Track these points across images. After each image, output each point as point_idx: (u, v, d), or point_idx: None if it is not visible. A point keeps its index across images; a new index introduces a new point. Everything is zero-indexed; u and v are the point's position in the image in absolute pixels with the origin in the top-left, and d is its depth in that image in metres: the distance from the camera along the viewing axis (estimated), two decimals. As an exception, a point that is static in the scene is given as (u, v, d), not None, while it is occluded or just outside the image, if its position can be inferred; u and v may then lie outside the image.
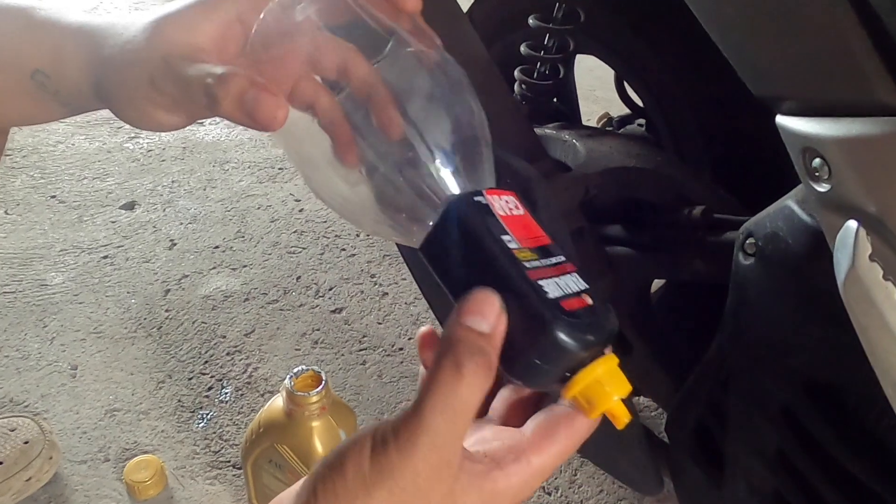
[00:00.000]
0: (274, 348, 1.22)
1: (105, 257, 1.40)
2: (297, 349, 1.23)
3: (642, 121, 0.97)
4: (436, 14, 0.76)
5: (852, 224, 0.42)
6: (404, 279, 1.38)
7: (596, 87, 1.80)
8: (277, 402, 0.80)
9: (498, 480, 0.30)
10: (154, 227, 1.48)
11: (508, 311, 0.30)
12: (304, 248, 1.45)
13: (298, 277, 1.38)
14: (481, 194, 0.32)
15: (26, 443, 0.96)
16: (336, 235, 1.49)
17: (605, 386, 0.30)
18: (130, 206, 1.54)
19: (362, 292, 1.35)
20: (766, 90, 0.46)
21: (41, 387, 1.12)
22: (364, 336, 1.26)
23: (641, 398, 1.09)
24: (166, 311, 1.28)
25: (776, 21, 0.42)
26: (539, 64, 0.82)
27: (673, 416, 0.67)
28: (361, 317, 1.30)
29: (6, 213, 1.50)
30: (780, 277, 0.54)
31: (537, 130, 0.83)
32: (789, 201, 0.53)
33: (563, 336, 0.29)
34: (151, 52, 0.35)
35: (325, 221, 1.52)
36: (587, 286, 0.32)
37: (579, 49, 0.87)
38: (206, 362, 1.19)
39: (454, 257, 0.31)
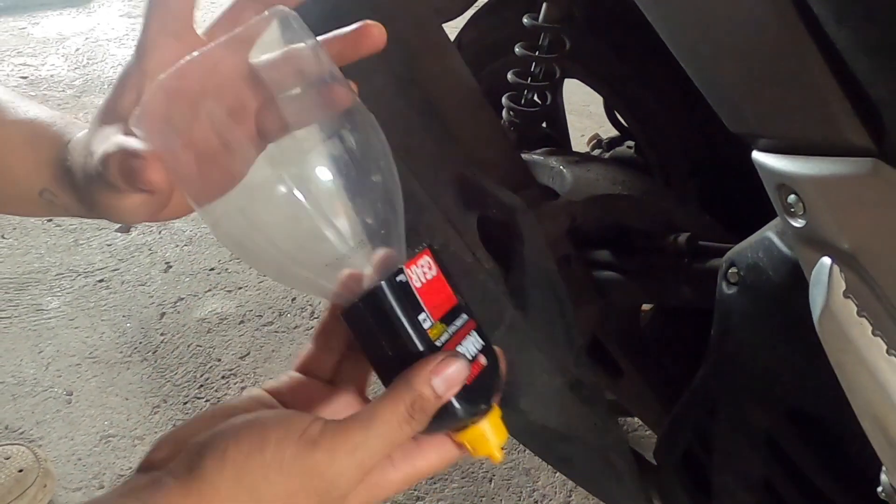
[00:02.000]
0: (269, 371, 1.23)
1: (101, 281, 1.40)
2: (291, 372, 1.23)
3: (631, 143, 0.98)
4: (423, 42, 0.78)
5: (826, 261, 0.43)
6: (399, 299, 1.38)
7: (589, 102, 1.82)
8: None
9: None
10: (150, 249, 1.49)
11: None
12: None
13: (293, 299, 1.38)
14: (402, 272, 0.34)
15: (21, 471, 0.97)
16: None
17: (487, 437, 0.35)
18: (126, 229, 1.54)
19: (357, 313, 1.36)
20: (742, 128, 0.47)
21: (36, 413, 1.12)
22: (359, 357, 1.26)
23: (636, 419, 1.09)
24: (161, 334, 1.29)
25: (748, 63, 0.43)
26: (526, 91, 0.83)
27: (661, 441, 0.68)
28: (356, 338, 1.30)
29: (3, 237, 1.50)
30: (762, 307, 0.54)
31: (525, 156, 0.84)
32: (769, 232, 0.54)
33: (458, 410, 0.33)
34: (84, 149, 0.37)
35: (320, 242, 1.53)
36: (483, 342, 0.36)
37: (566, 75, 0.88)
38: (202, 386, 1.19)
39: (376, 334, 0.34)
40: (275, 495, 0.32)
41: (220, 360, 1.24)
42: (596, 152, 1.04)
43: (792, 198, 0.45)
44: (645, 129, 0.82)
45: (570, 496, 1.03)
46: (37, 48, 2.38)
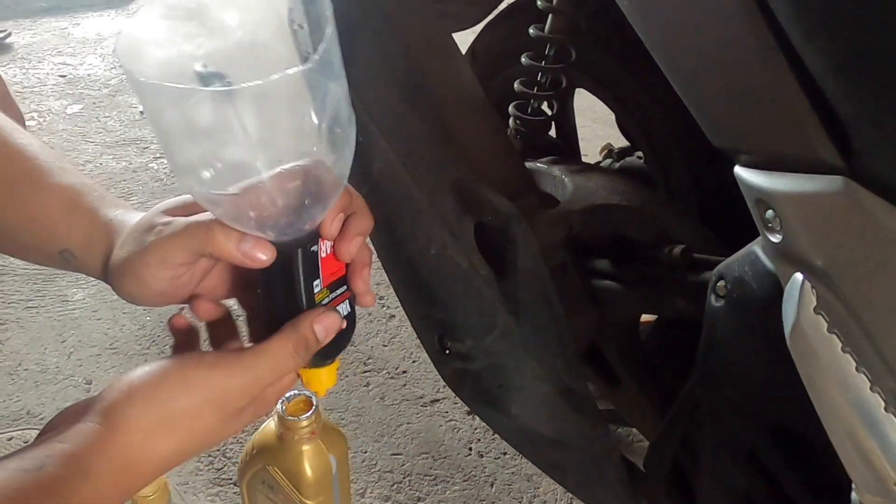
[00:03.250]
0: (280, 368, 1.25)
1: (124, 275, 1.45)
2: (302, 369, 1.25)
3: (641, 153, 0.98)
4: (430, 48, 0.79)
5: (798, 277, 0.43)
6: (411, 302, 1.40)
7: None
8: (270, 425, 0.82)
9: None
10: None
11: None
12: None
13: (308, 298, 1.41)
14: (317, 243, 0.42)
15: (38, 455, 1.00)
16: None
17: (322, 379, 0.45)
18: (151, 225, 1.59)
19: (370, 314, 1.38)
20: (722, 142, 0.48)
21: (57, 400, 1.17)
22: (369, 358, 1.28)
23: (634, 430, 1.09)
24: (179, 328, 1.32)
25: (724, 79, 0.44)
26: (532, 99, 0.84)
27: (650, 451, 0.68)
28: (367, 338, 1.32)
29: (34, 230, 1.56)
30: (746, 321, 0.54)
31: (530, 164, 0.85)
32: (755, 247, 0.54)
33: (317, 361, 0.44)
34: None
35: (338, 243, 1.55)
36: (350, 310, 0.46)
37: (573, 84, 0.89)
38: (215, 380, 1.22)
39: (278, 287, 0.42)
40: (182, 412, 0.39)
41: (234, 355, 1.27)
42: (607, 162, 1.05)
43: (769, 213, 0.45)
44: (649, 140, 0.82)
45: (572, 502, 1.04)
46: (76, 48, 2.47)
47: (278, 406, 0.81)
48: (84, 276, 1.41)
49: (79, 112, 2.07)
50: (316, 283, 0.42)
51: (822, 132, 0.39)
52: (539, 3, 0.79)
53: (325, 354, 0.44)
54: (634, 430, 1.10)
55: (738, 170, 0.47)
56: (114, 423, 0.38)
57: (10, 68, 2.30)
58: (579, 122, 1.01)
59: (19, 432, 1.04)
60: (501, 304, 0.67)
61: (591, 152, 1.57)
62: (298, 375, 0.45)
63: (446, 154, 0.72)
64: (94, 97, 2.15)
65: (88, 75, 2.28)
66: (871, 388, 0.40)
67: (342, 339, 0.45)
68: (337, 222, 0.42)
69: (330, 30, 0.38)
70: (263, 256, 0.40)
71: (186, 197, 0.44)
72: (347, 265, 0.45)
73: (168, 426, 0.39)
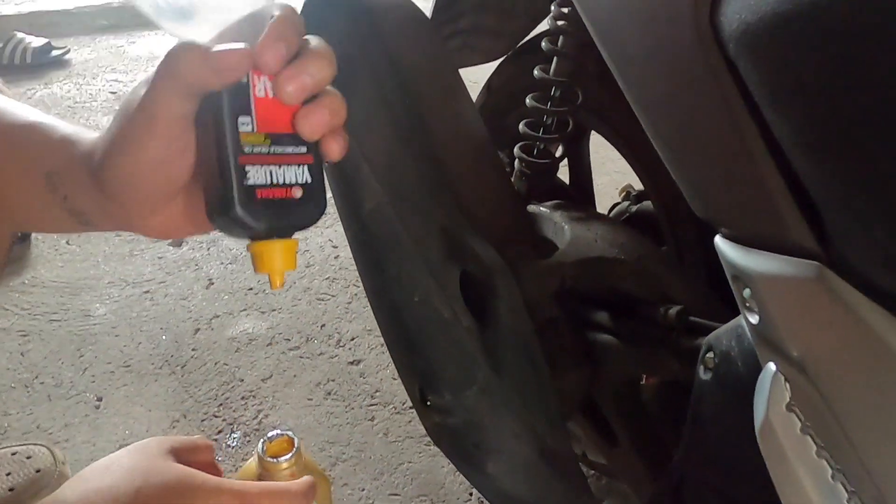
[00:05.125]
0: (287, 396, 1.24)
1: (146, 292, 1.47)
2: (309, 399, 1.24)
3: (656, 199, 0.94)
4: (433, 88, 0.77)
5: (771, 367, 0.39)
6: (425, 335, 1.37)
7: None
8: (252, 465, 0.81)
9: None
10: (196, 265, 1.55)
11: (219, 178, 0.36)
12: (333, 296, 1.48)
13: (323, 325, 1.40)
14: (249, 75, 0.36)
15: (38, 471, 1.02)
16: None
17: (273, 258, 0.38)
18: (178, 243, 1.61)
19: (382, 345, 1.36)
20: (701, 212, 0.44)
21: (66, 415, 1.18)
22: (377, 391, 1.26)
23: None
24: (193, 349, 1.33)
25: (701, 153, 0.40)
26: (538, 142, 0.81)
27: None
28: (377, 370, 1.30)
29: (67, 243, 1.60)
30: (730, 400, 0.50)
31: (532, 208, 0.82)
32: (742, 320, 0.50)
33: (239, 216, 0.36)
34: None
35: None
36: (310, 180, 0.38)
37: (584, 126, 0.85)
38: (221, 405, 1.22)
39: (205, 130, 0.37)
40: None
41: (242, 380, 1.27)
42: (624, 204, 1.01)
43: (747, 292, 0.41)
44: (655, 188, 0.78)
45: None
46: (129, 65, 2.55)
47: (259, 445, 0.79)
48: (108, 292, 1.43)
49: (124, 128, 2.14)
50: (244, 120, 0.36)
51: (796, 213, 0.35)
52: (544, 45, 0.76)
53: (276, 224, 0.37)
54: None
55: (718, 241, 0.44)
56: None
57: (66, 84, 2.40)
58: (615, 155, 0.97)
59: (23, 447, 1.05)
60: (482, 359, 0.64)
61: (624, 183, 1.53)
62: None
63: (437, 197, 0.70)
64: (140, 114, 2.21)
65: (137, 92, 2.35)
66: (848, 501, 0.36)
67: (296, 211, 0.38)
68: (273, 51, 0.36)
69: None
70: (232, 60, 0.34)
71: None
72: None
73: None
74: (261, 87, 0.36)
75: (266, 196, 0.37)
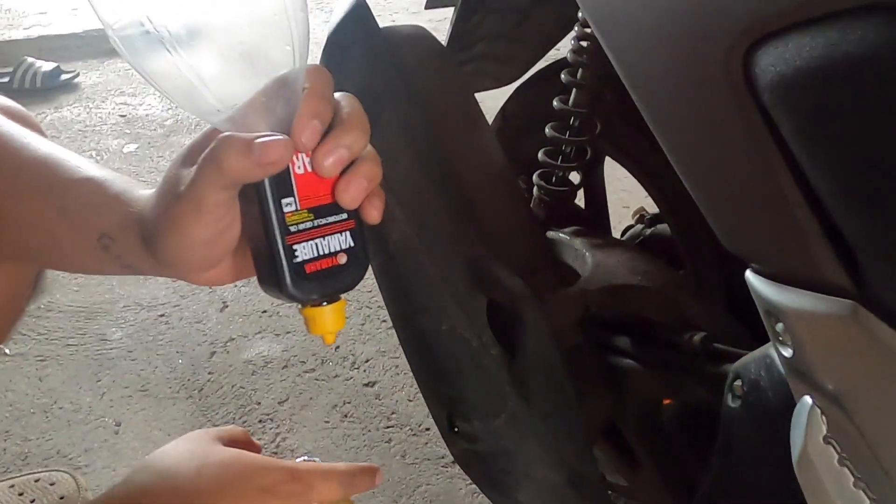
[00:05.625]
0: (304, 419, 1.25)
1: (161, 315, 1.48)
2: (326, 421, 1.25)
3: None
4: (453, 118, 0.79)
5: (807, 401, 0.40)
6: (439, 356, 1.39)
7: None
8: None
9: None
10: (209, 288, 1.56)
11: (269, 258, 0.39)
12: (346, 318, 1.49)
13: (337, 347, 1.41)
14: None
15: (62, 498, 1.02)
16: (379, 306, 1.52)
17: (325, 320, 0.40)
18: (192, 266, 1.63)
19: (397, 367, 1.37)
20: (732, 248, 0.46)
21: (86, 441, 1.19)
22: (393, 413, 1.27)
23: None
24: (209, 373, 1.34)
25: (734, 193, 0.42)
26: (557, 170, 0.83)
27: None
28: (393, 392, 1.31)
29: (82, 267, 1.62)
30: (761, 429, 0.51)
31: (552, 234, 0.84)
32: (771, 350, 0.51)
33: (294, 294, 0.39)
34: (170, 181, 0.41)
35: (370, 291, 1.56)
36: (353, 244, 0.40)
37: (599, 153, 0.87)
38: (239, 428, 1.23)
39: (251, 206, 0.39)
40: None
41: (259, 403, 1.28)
42: (638, 227, 1.02)
43: (780, 326, 0.43)
44: (674, 215, 0.80)
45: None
46: (137, 88, 2.58)
47: None
48: (123, 316, 1.45)
49: (134, 151, 2.16)
50: (287, 201, 0.38)
51: (831, 254, 0.37)
52: (563, 77, 0.78)
53: (326, 292, 0.40)
54: None
55: (749, 276, 0.45)
56: None
57: (76, 107, 2.42)
58: (621, 174, 0.99)
59: (46, 474, 1.06)
60: (511, 387, 0.66)
61: (633, 204, 1.54)
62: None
63: (462, 228, 0.72)
64: (150, 137, 2.24)
65: (146, 115, 2.38)
66: (885, 530, 0.37)
67: (343, 276, 0.40)
68: (309, 130, 0.37)
69: None
70: (275, 152, 0.36)
71: (190, 143, 0.43)
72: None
73: None
74: (299, 165, 0.38)
75: (315, 269, 0.39)
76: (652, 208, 1.05)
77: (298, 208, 0.38)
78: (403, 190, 0.73)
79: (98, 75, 2.70)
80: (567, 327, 0.69)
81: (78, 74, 2.62)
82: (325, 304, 0.40)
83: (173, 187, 0.40)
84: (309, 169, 0.38)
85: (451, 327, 0.68)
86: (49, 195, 0.46)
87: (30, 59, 2.52)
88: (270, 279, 0.39)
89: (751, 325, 0.70)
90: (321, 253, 0.39)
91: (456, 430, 0.70)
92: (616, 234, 1.05)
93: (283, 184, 0.38)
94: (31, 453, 1.16)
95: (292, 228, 0.38)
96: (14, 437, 1.19)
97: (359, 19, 0.80)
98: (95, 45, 2.89)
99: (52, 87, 2.50)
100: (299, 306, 0.41)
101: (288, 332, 1.45)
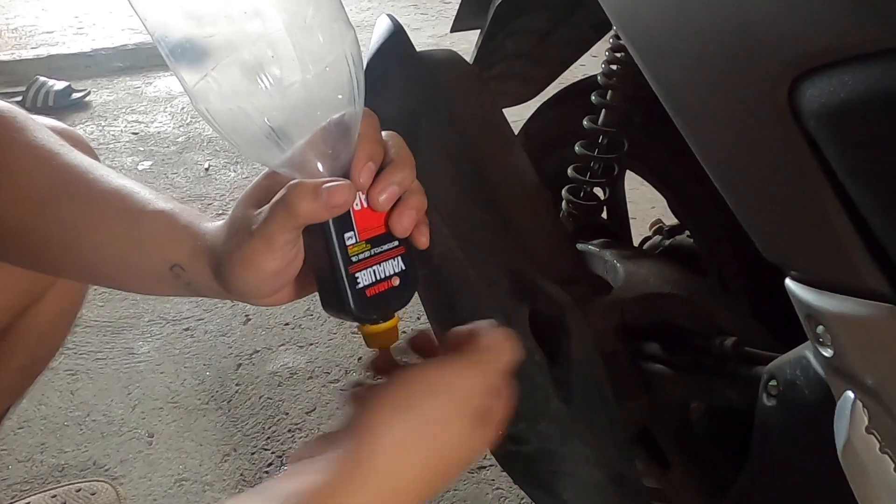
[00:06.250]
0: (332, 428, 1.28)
1: (186, 329, 1.52)
2: (353, 430, 1.28)
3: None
4: (489, 141, 0.84)
5: (849, 395, 0.45)
6: (460, 365, 1.42)
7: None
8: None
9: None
10: (232, 301, 1.60)
11: (333, 286, 0.43)
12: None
13: (359, 358, 1.45)
14: None
15: (103, 508, 1.06)
16: (399, 318, 1.55)
17: (383, 336, 0.45)
18: (213, 281, 1.66)
19: (419, 376, 1.40)
20: (772, 257, 0.50)
21: (121, 452, 1.22)
22: (417, 421, 1.31)
23: None
24: (237, 384, 1.38)
25: (776, 206, 0.46)
26: (585, 185, 0.88)
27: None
28: (416, 401, 1.35)
29: (105, 282, 1.65)
30: (799, 425, 0.56)
31: (581, 246, 0.88)
32: (807, 351, 0.55)
33: (357, 315, 0.44)
34: (244, 214, 0.45)
35: (389, 303, 1.59)
36: (404, 267, 0.45)
37: (624, 167, 0.92)
38: (269, 438, 1.26)
39: (315, 243, 0.44)
40: (432, 419, 0.39)
41: (287, 413, 1.31)
42: (656, 238, 1.07)
43: (820, 328, 0.47)
44: (698, 227, 0.85)
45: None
46: (148, 106, 2.62)
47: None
48: (149, 330, 1.48)
49: (149, 168, 2.20)
50: (348, 235, 0.43)
51: (869, 261, 0.41)
52: (594, 98, 0.83)
53: (383, 312, 0.44)
54: None
55: (789, 283, 0.49)
56: (365, 447, 0.37)
57: (88, 125, 2.46)
58: (628, 184, 1.03)
59: (87, 484, 1.09)
60: (554, 391, 0.70)
61: (638, 214, 1.59)
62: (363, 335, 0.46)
63: (502, 241, 0.76)
64: (163, 154, 2.28)
65: (158, 133, 2.42)
66: (924, 511, 0.41)
67: (397, 296, 0.45)
68: (366, 172, 0.42)
69: None
70: (340, 196, 0.40)
71: (252, 185, 0.47)
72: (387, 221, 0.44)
73: (421, 436, 0.38)
74: (357, 202, 0.43)
75: (374, 292, 0.44)
76: (649, 217, 1.10)
77: (358, 240, 0.43)
78: (445, 206, 0.78)
79: (108, 93, 2.74)
80: (605, 335, 0.73)
81: (89, 93, 2.66)
82: (381, 321, 0.45)
83: (244, 226, 0.45)
84: (365, 205, 0.43)
85: (496, 335, 0.72)
86: (124, 226, 0.50)
87: (42, 79, 2.56)
88: (335, 303, 0.44)
89: (773, 329, 0.74)
90: (378, 278, 0.44)
91: (500, 432, 0.73)
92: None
93: (344, 220, 0.43)
94: (69, 465, 1.19)
95: (353, 259, 0.43)
96: (50, 448, 1.22)
97: (396, 43, 0.84)
98: (104, 64, 2.94)
99: (65, 106, 2.54)
100: (357, 324, 0.46)
101: (311, 344, 1.48)
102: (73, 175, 0.52)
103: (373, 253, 0.44)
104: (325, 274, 0.44)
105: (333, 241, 0.42)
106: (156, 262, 0.49)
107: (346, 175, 0.42)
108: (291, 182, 0.42)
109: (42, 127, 0.56)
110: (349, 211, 0.42)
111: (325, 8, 0.40)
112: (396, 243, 0.45)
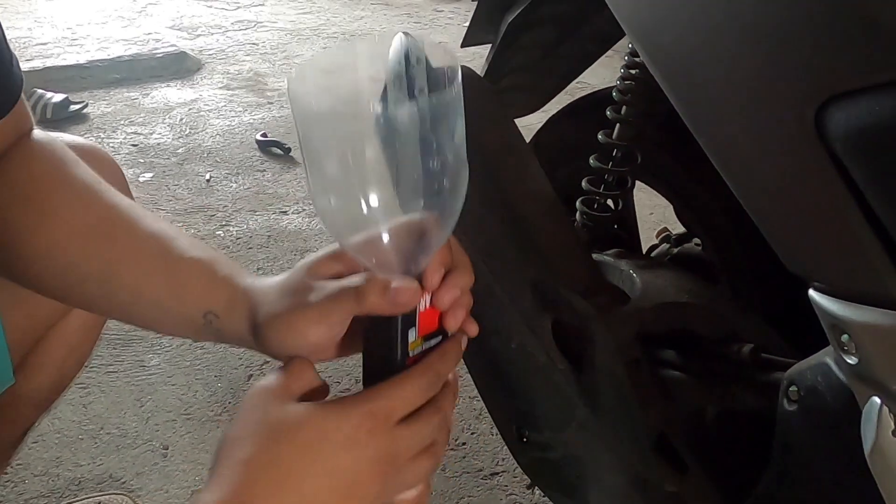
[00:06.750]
0: (345, 437, 1.30)
1: (195, 341, 1.52)
2: (366, 439, 1.30)
3: (699, 241, 1.03)
4: (507, 156, 0.86)
5: (876, 401, 0.47)
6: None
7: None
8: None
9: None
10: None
11: (387, 374, 0.44)
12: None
13: (369, 367, 1.46)
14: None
15: (123, 520, 1.06)
16: None
17: None
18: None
19: (428, 384, 1.42)
20: (796, 269, 0.52)
21: (136, 464, 1.23)
22: (429, 428, 1.32)
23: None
24: (249, 395, 1.39)
25: (800, 220, 0.49)
26: (599, 196, 0.90)
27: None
28: (427, 409, 1.37)
29: (112, 295, 1.66)
30: (821, 430, 0.58)
31: (596, 256, 0.90)
32: (827, 358, 0.58)
33: None
34: (302, 283, 0.47)
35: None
36: None
37: (635, 178, 0.94)
38: (283, 448, 1.28)
39: (378, 333, 0.45)
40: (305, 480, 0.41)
41: (300, 423, 1.33)
42: (664, 247, 1.10)
43: (845, 337, 0.50)
44: (711, 237, 0.87)
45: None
46: (146, 117, 2.63)
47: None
48: (159, 342, 1.49)
49: (150, 180, 2.20)
50: (411, 331, 0.45)
51: (894, 273, 0.44)
52: (608, 113, 0.86)
53: None
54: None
55: (813, 293, 0.52)
56: None
57: (88, 137, 2.46)
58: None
59: (105, 497, 1.10)
60: (579, 399, 0.72)
61: (640, 224, 1.62)
62: None
63: (524, 254, 0.78)
64: (164, 165, 2.28)
65: (158, 144, 2.42)
66: (948, 509, 0.44)
67: None
68: (438, 275, 0.44)
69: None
70: (406, 297, 0.42)
71: (319, 255, 0.49)
72: (441, 319, 0.46)
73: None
74: (422, 303, 0.45)
75: None
76: (647, 222, 1.13)
77: (416, 337, 0.45)
78: (468, 220, 0.80)
79: (106, 105, 2.74)
80: (627, 343, 0.75)
81: (87, 105, 2.66)
82: None
83: (302, 294, 0.47)
84: (428, 305, 0.45)
85: (521, 345, 0.74)
86: (161, 271, 0.52)
87: (39, 91, 2.55)
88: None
89: (786, 336, 0.77)
90: None
91: (525, 440, 0.76)
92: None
93: (410, 318, 0.45)
94: (85, 478, 1.20)
95: (410, 353, 0.45)
96: (65, 462, 1.23)
97: (412, 58, 0.87)
98: (100, 76, 2.94)
99: (62, 119, 2.54)
100: None
101: (321, 354, 1.49)
102: (114, 216, 0.54)
103: (424, 348, 0.46)
104: (377, 360, 0.45)
105: (398, 336, 0.44)
106: (190, 309, 0.51)
107: (417, 273, 0.44)
108: (366, 275, 0.44)
109: (78, 161, 0.57)
110: (415, 309, 0.44)
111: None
112: (440, 338, 0.47)
